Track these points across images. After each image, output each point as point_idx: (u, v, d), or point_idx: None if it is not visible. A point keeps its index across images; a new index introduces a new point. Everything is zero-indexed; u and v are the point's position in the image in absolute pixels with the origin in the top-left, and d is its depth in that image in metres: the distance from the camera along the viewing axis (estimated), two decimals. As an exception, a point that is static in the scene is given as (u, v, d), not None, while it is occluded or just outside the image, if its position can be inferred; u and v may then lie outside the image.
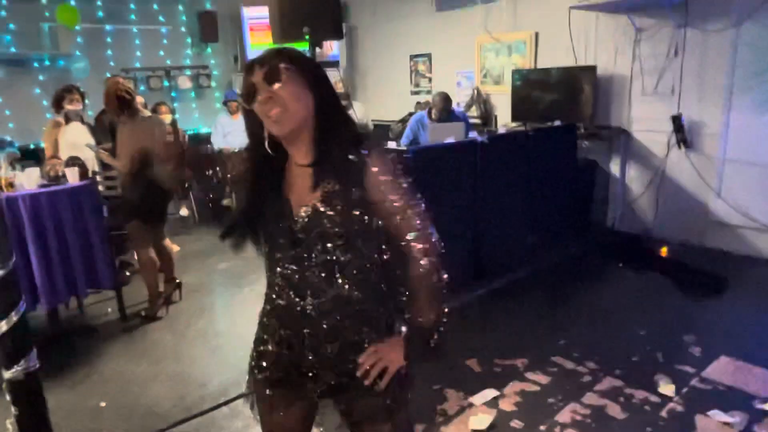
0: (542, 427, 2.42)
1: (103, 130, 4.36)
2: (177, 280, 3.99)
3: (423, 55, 6.82)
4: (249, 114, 1.24)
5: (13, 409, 1.62)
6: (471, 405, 2.60)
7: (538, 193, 4.42)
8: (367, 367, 1.27)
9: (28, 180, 3.33)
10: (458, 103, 5.99)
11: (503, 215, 4.18)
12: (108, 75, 5.44)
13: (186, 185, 5.90)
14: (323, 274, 1.25)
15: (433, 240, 1.27)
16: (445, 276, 1.28)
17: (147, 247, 3.69)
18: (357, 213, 1.22)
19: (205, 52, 7.15)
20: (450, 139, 4.16)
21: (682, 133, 4.58)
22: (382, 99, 7.37)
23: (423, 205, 1.27)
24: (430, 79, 6.81)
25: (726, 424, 2.38)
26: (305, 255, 1.25)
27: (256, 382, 1.39)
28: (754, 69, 4.21)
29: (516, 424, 2.45)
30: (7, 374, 1.57)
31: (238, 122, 1.33)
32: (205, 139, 6.70)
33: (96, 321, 3.78)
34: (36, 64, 5.90)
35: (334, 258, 1.24)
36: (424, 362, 1.32)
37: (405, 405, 1.37)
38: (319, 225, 1.21)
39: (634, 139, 5.01)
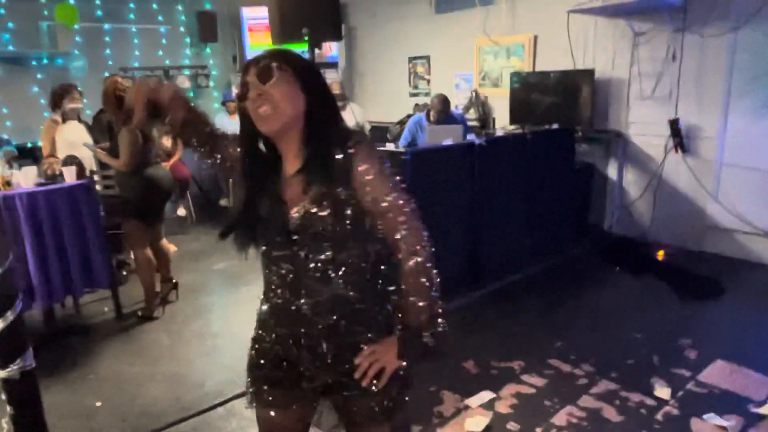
0: (538, 430, 2.43)
1: (101, 130, 4.36)
2: (174, 280, 3.98)
3: (422, 57, 6.83)
4: (244, 112, 1.25)
5: (8, 408, 1.62)
6: (467, 407, 2.60)
7: (535, 196, 4.43)
8: (364, 368, 1.27)
9: (25, 179, 3.33)
10: (457, 105, 6.00)
11: (501, 218, 4.19)
12: (106, 74, 5.43)
13: (186, 184, 5.92)
14: (318, 274, 1.25)
15: (423, 238, 1.26)
16: (436, 274, 1.27)
17: (144, 246, 3.69)
18: (348, 212, 1.22)
19: (203, 52, 7.15)
20: (448, 141, 4.17)
21: (680, 137, 4.59)
22: (380, 100, 7.38)
23: (413, 202, 1.26)
24: (428, 81, 6.82)
25: (721, 427, 2.39)
26: (300, 254, 1.26)
27: (254, 381, 1.39)
28: (751, 74, 4.23)
29: (512, 426, 2.45)
30: (3, 373, 1.57)
31: (237, 122, 1.33)
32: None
33: (92, 320, 3.77)
34: (34, 63, 5.89)
35: (329, 258, 1.25)
36: (421, 363, 1.32)
37: (403, 406, 1.36)
38: (311, 226, 1.22)
39: (631, 143, 5.03)
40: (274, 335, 1.35)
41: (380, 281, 1.31)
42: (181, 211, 6.08)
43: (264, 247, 1.32)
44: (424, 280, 1.25)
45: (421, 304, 1.26)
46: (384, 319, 1.32)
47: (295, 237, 1.24)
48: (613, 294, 3.96)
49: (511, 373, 2.89)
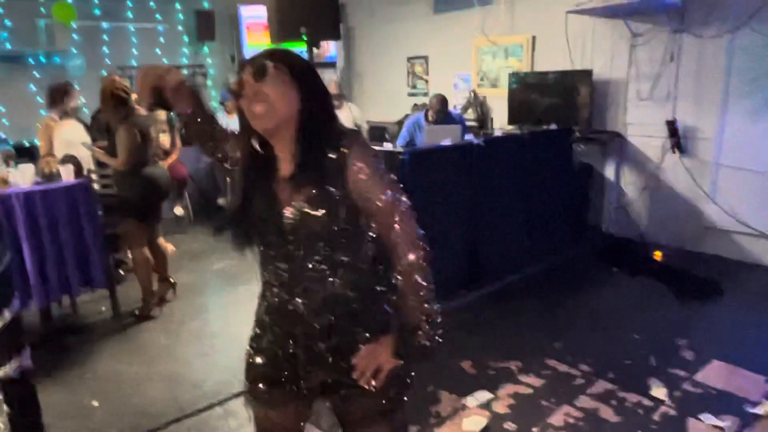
0: (535, 430, 2.43)
1: (100, 129, 4.35)
2: (171, 280, 3.97)
3: (420, 57, 6.83)
4: (241, 111, 1.26)
5: (5, 407, 1.61)
6: (464, 407, 2.60)
7: (533, 196, 4.43)
8: (362, 368, 1.27)
9: (23, 177, 3.32)
10: (455, 105, 6.00)
11: (499, 218, 4.19)
12: (104, 73, 5.42)
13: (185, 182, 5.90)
14: (314, 274, 1.26)
15: (419, 237, 1.26)
16: (431, 273, 1.27)
17: (142, 246, 3.68)
18: (342, 212, 1.22)
19: (201, 51, 7.13)
20: (446, 141, 4.17)
21: (677, 138, 4.60)
22: (379, 100, 7.38)
23: (408, 201, 1.26)
24: (426, 81, 6.82)
25: (717, 427, 2.40)
26: (295, 254, 1.26)
27: (251, 380, 1.39)
28: (749, 75, 4.24)
29: (509, 426, 2.46)
30: (0, 373, 1.56)
31: (235, 121, 1.33)
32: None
33: (89, 320, 3.76)
34: (31, 61, 5.86)
35: (324, 257, 1.25)
36: (416, 362, 1.32)
37: (401, 406, 1.36)
38: (306, 226, 1.22)
39: (629, 144, 5.04)
40: (271, 334, 1.35)
41: (377, 280, 1.32)
42: (179, 211, 6.06)
43: (261, 246, 1.32)
44: (419, 278, 1.24)
45: (416, 302, 1.26)
46: (381, 318, 1.32)
47: (290, 237, 1.25)
48: (610, 294, 3.96)
49: (508, 373, 2.90)
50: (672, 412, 2.53)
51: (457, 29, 6.21)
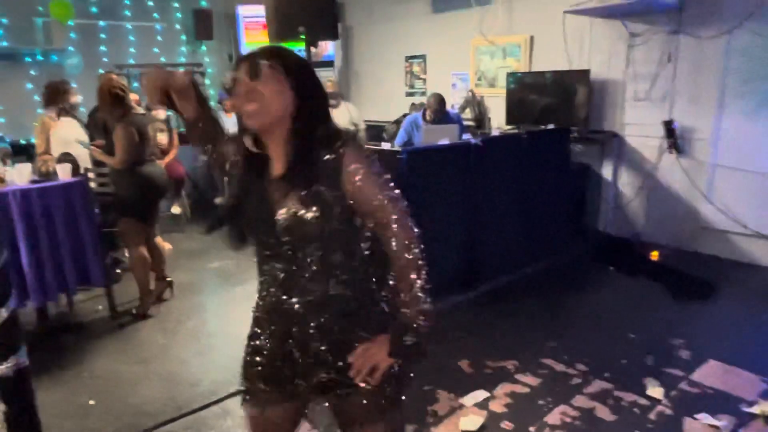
0: (532, 429, 2.44)
1: (97, 127, 4.33)
2: (168, 279, 3.97)
3: (418, 57, 6.83)
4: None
5: (2, 406, 1.61)
6: (462, 406, 2.61)
7: (531, 196, 4.44)
8: (358, 366, 1.27)
9: (19, 176, 3.31)
10: (453, 105, 6.00)
11: (496, 217, 4.19)
12: (101, 71, 5.40)
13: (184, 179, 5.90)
14: (309, 274, 1.26)
15: (414, 236, 1.26)
16: (426, 273, 1.27)
17: (139, 244, 3.67)
18: (336, 213, 1.22)
19: (199, 50, 7.12)
20: (444, 141, 4.18)
21: (674, 138, 4.62)
22: (376, 100, 7.38)
23: (403, 201, 1.26)
24: (424, 81, 6.82)
25: (713, 427, 2.41)
26: (290, 254, 1.26)
27: (248, 378, 1.39)
28: (745, 76, 4.25)
29: (506, 425, 2.46)
30: (-3, 371, 1.56)
31: (233, 120, 1.33)
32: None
33: (86, 318, 3.76)
34: (28, 59, 5.85)
35: (319, 257, 1.25)
36: (405, 361, 1.32)
37: (399, 405, 1.36)
38: (299, 227, 1.22)
39: (626, 144, 5.05)
40: (268, 333, 1.35)
41: (373, 280, 1.32)
42: (176, 210, 6.05)
43: (256, 246, 1.32)
44: (414, 277, 1.25)
45: (411, 301, 1.26)
46: (378, 317, 1.32)
47: (284, 237, 1.24)
48: (607, 294, 3.97)
49: (505, 372, 2.90)
50: (668, 412, 2.54)
51: (455, 29, 6.22)
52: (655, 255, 4.70)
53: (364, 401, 1.31)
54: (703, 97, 4.50)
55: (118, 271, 4.43)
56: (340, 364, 1.29)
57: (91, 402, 2.74)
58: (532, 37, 5.60)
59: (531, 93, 5.40)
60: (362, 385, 1.28)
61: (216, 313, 3.98)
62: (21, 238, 3.13)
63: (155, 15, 6.67)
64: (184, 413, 2.61)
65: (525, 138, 4.52)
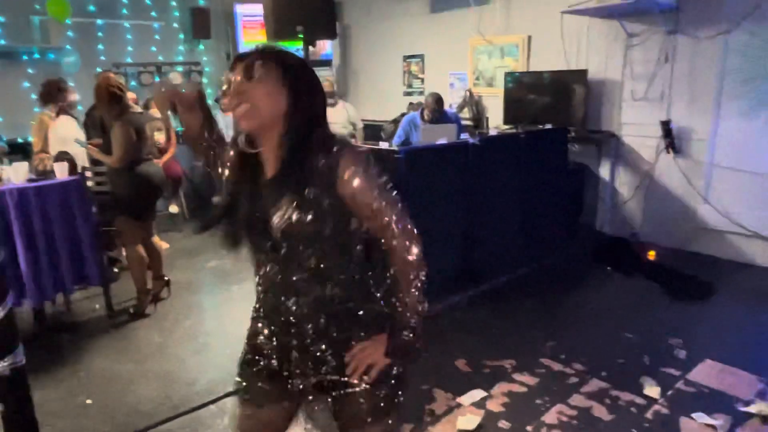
0: (529, 428, 2.44)
1: (94, 126, 4.32)
2: (165, 278, 3.96)
3: (416, 56, 6.83)
4: None
5: (-2, 405, 1.61)
6: (459, 405, 2.61)
7: (528, 196, 4.44)
8: (355, 365, 1.27)
9: (16, 174, 3.30)
10: (450, 104, 6.00)
11: (494, 217, 4.20)
12: (99, 70, 5.39)
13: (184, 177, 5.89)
14: (305, 276, 1.25)
15: (413, 237, 1.26)
16: (424, 273, 1.27)
17: (136, 243, 3.67)
18: (332, 215, 1.21)
19: (197, 49, 7.11)
20: (442, 140, 4.18)
21: (671, 138, 4.63)
22: (374, 99, 7.38)
23: (400, 202, 1.26)
24: (422, 80, 6.83)
25: (710, 426, 2.41)
26: (286, 256, 1.25)
27: (245, 377, 1.39)
28: (742, 76, 4.26)
29: (503, 424, 2.47)
30: (-7, 370, 1.56)
31: (231, 119, 1.32)
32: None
33: (83, 317, 3.75)
34: (25, 57, 5.83)
35: (315, 259, 1.24)
36: (401, 360, 1.32)
37: (396, 405, 1.36)
38: (294, 230, 1.20)
39: (623, 144, 5.06)
40: (266, 333, 1.35)
41: (370, 281, 1.31)
42: (174, 209, 6.05)
43: (252, 248, 1.32)
44: (413, 278, 1.25)
45: (408, 301, 1.26)
46: (374, 317, 1.32)
47: (279, 240, 1.23)
48: (604, 294, 3.98)
49: (502, 371, 2.91)
50: (665, 411, 2.54)
51: (453, 28, 6.22)
52: (652, 255, 4.71)
53: (362, 401, 1.31)
54: (701, 98, 4.51)
55: (115, 270, 4.42)
56: (339, 364, 1.29)
57: (88, 401, 2.74)
58: (529, 37, 5.61)
59: (529, 93, 5.41)
60: (358, 383, 1.28)
61: (213, 312, 3.97)
62: (18, 237, 3.12)
63: (153, 13, 6.66)
64: (180, 412, 2.61)
65: (523, 138, 4.53)
